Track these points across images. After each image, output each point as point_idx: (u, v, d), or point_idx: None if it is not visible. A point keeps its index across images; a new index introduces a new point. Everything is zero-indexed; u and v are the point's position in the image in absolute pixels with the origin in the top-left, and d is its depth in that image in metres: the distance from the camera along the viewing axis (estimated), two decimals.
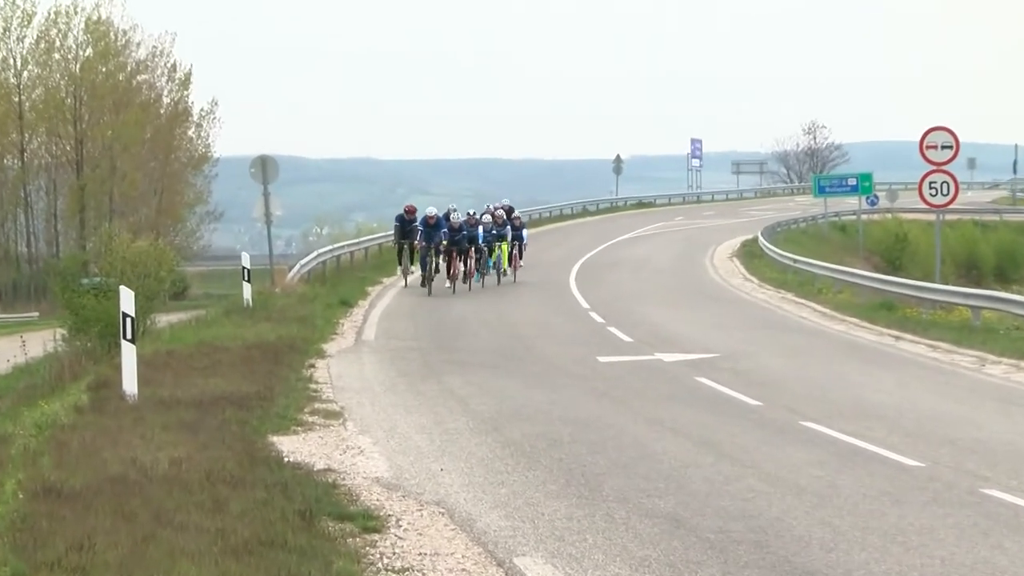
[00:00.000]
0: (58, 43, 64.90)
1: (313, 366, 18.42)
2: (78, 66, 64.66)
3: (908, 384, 16.85)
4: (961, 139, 28.29)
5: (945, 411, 14.58)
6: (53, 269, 43.20)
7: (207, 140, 68.97)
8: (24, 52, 64.52)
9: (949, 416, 14.17)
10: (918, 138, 28.09)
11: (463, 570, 8.56)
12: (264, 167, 32.40)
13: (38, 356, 26.71)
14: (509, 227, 33.82)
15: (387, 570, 8.50)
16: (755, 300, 29.85)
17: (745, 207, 71.75)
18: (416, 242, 31.59)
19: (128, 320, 14.51)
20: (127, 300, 14.59)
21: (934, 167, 27.84)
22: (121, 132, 63.97)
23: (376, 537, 9.25)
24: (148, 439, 11.86)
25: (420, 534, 9.41)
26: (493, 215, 33.82)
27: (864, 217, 55.11)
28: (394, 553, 8.88)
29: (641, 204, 73.49)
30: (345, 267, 37.83)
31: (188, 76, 67.98)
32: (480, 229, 32.30)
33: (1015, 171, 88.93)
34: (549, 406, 14.88)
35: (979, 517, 9.59)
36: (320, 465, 11.59)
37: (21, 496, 9.48)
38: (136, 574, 7.59)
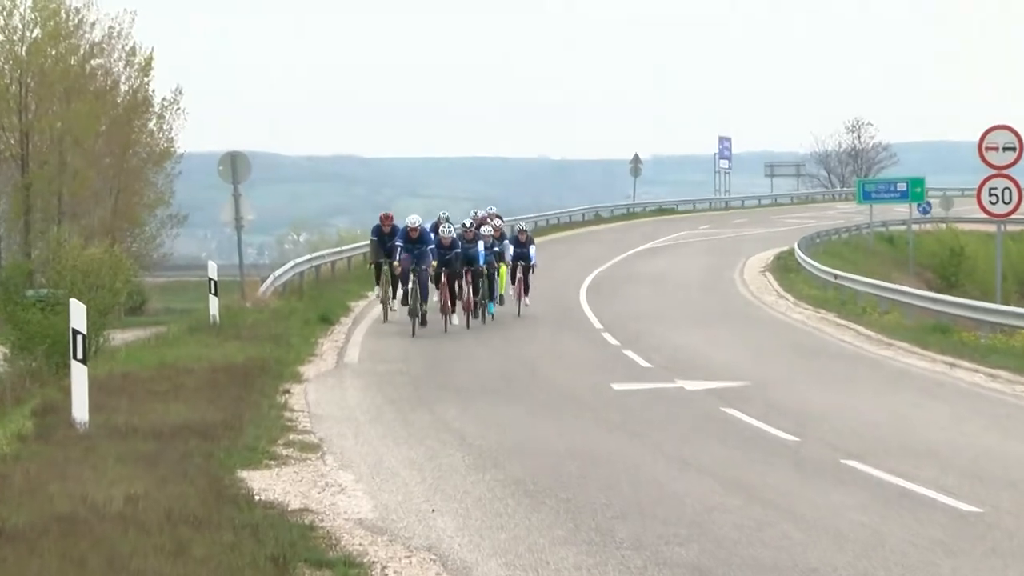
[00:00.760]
0: (2, 22, 64.96)
1: (288, 392, 18.44)
2: (24, 49, 64.56)
3: (964, 418, 16.85)
4: None
5: (1006, 449, 14.58)
6: None
7: (170, 134, 68.75)
8: None
9: (1011, 455, 14.18)
10: (977, 138, 28.15)
11: None
12: (234, 165, 32.42)
13: None
14: (508, 242, 29.93)
15: None
16: (790, 321, 29.88)
17: (780, 214, 71.89)
18: (395, 261, 27.15)
19: (79, 337, 14.54)
20: (78, 315, 14.62)
21: (995, 171, 27.87)
22: (72, 124, 63.86)
23: None
24: (101, 472, 11.87)
25: None
26: (491, 225, 29.73)
27: (915, 227, 55.23)
28: None
29: (661, 210, 73.69)
30: (325, 279, 37.89)
31: (149, 61, 67.89)
32: (480, 245, 27.91)
33: None
34: (556, 439, 14.89)
35: None
36: (295, 504, 11.60)
37: None
38: None
